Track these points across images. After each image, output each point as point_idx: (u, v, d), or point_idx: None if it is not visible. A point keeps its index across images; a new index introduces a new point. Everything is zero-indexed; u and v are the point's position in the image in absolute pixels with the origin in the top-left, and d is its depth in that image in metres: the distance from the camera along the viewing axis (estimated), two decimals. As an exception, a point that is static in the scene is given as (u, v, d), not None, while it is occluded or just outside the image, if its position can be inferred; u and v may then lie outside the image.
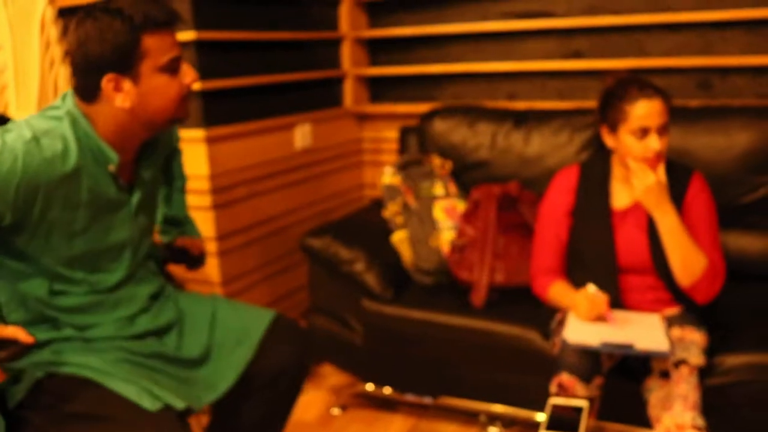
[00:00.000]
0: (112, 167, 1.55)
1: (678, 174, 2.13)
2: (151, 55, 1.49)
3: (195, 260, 1.95)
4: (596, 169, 2.23)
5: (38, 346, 1.54)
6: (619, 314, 2.04)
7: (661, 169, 2.00)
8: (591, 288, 2.02)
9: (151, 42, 1.48)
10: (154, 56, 1.50)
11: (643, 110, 2.00)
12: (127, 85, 1.50)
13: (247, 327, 1.80)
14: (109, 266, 1.63)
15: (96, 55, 1.46)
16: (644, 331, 1.95)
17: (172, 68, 1.54)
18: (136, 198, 1.65)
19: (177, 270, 2.11)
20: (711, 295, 2.04)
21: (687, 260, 2.00)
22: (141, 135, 1.60)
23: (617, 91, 2.06)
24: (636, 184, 1.99)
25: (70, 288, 1.58)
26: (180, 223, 2.04)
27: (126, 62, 1.48)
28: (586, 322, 2.00)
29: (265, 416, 1.84)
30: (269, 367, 1.79)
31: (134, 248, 1.68)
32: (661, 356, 1.93)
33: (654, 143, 2.00)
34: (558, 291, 2.17)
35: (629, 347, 1.87)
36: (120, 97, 1.50)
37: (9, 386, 1.54)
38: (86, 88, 1.52)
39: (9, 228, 1.44)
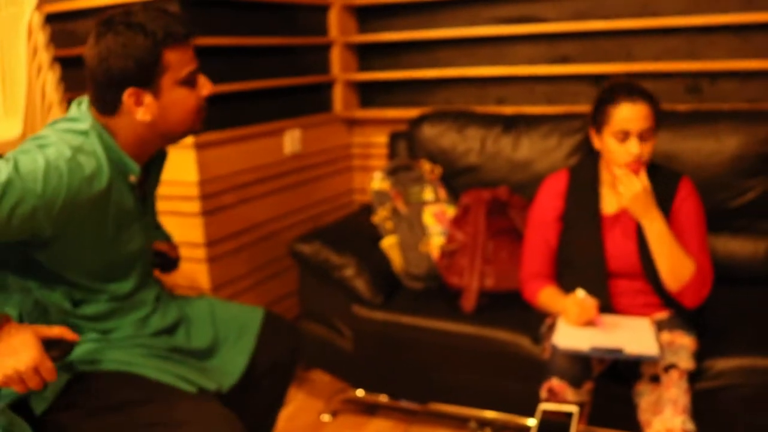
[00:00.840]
0: (133, 178, 1.59)
1: (666, 179, 2.13)
2: (171, 69, 1.52)
3: (172, 263, 1.98)
4: (585, 174, 2.23)
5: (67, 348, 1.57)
6: (609, 318, 2.03)
7: (644, 175, 1.99)
8: (580, 293, 2.02)
9: (171, 56, 1.52)
10: (175, 70, 1.53)
11: (625, 113, 2.00)
12: (148, 98, 1.52)
13: (244, 321, 1.88)
14: (126, 274, 1.68)
15: (118, 70, 1.49)
16: (634, 335, 1.95)
17: (190, 81, 1.57)
18: (147, 207, 1.71)
19: (166, 276, 2.12)
20: (699, 299, 2.04)
21: (675, 266, 2.00)
22: (158, 146, 1.64)
23: (606, 94, 2.06)
24: (622, 191, 1.98)
25: (91, 297, 1.62)
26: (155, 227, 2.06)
27: (147, 76, 1.50)
28: (576, 327, 1.99)
29: (268, 403, 1.95)
30: (267, 358, 1.87)
31: (145, 256, 1.73)
32: (650, 360, 1.93)
33: (633, 147, 1.99)
34: (548, 296, 2.16)
35: (619, 352, 1.86)
36: (141, 110, 1.53)
37: (35, 394, 1.55)
38: (106, 102, 1.54)
39: (45, 242, 1.47)
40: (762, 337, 2.13)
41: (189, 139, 2.58)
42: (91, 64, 1.52)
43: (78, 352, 1.59)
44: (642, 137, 2.00)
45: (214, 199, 2.70)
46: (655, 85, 2.79)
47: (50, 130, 1.52)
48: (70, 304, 1.59)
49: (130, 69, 1.48)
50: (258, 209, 2.95)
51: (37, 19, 2.54)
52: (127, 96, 1.51)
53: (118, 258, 1.63)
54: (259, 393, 1.89)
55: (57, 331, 1.44)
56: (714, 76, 2.88)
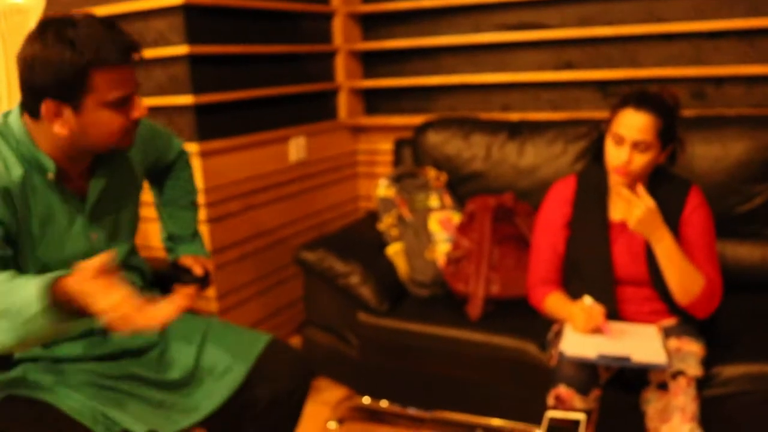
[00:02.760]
0: (50, 175, 1.51)
1: (675, 187, 2.11)
2: (97, 91, 1.43)
3: (198, 279, 1.83)
4: (593, 180, 2.21)
5: (7, 365, 1.53)
6: (616, 326, 2.02)
7: (646, 195, 1.95)
8: (587, 300, 2.01)
9: (99, 78, 1.43)
10: (101, 92, 1.44)
11: (625, 119, 1.99)
12: (67, 112, 1.45)
13: (239, 352, 1.76)
14: None
15: (38, 80, 1.41)
16: (641, 343, 1.94)
17: (119, 104, 1.48)
18: (88, 207, 1.61)
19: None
20: (709, 311, 2.03)
21: (684, 282, 1.99)
22: (82, 155, 1.56)
23: (623, 97, 2.05)
24: (628, 214, 1.96)
25: None
26: (184, 240, 1.99)
27: (69, 93, 1.42)
28: (583, 334, 1.98)
29: None
30: (262, 396, 1.75)
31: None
32: (658, 369, 1.91)
33: (622, 154, 1.99)
34: (555, 302, 2.15)
35: (626, 360, 1.85)
36: (59, 123, 1.45)
37: None
38: (28, 107, 1.48)
39: None
40: (770, 344, 2.12)
41: (194, 147, 2.59)
42: (18, 65, 1.45)
43: (11, 373, 1.54)
44: (636, 147, 1.98)
45: (219, 207, 2.70)
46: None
47: None
48: None
49: (49, 82, 1.41)
50: (263, 217, 2.95)
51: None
52: (45, 107, 1.43)
53: (57, 257, 1.55)
54: (259, 428, 1.77)
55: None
56: (719, 81, 2.87)
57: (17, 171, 1.46)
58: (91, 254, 1.56)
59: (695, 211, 2.08)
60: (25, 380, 1.54)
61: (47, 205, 1.53)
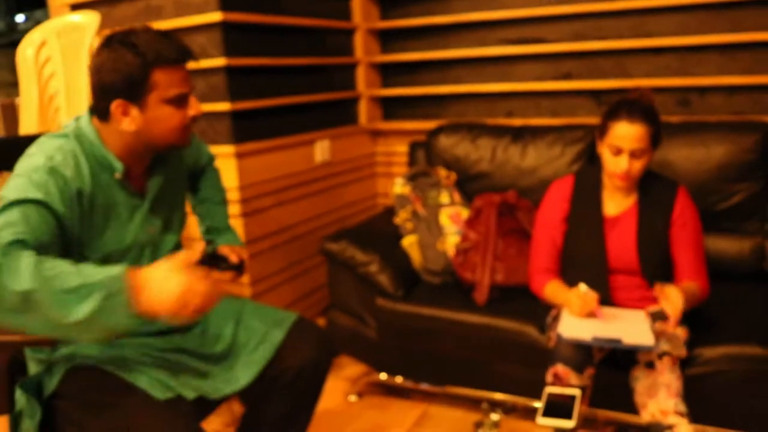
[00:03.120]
0: (117, 175, 1.55)
1: (664, 187, 2.11)
2: (158, 88, 1.48)
3: (234, 266, 1.88)
4: (589, 179, 2.21)
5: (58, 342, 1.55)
6: (608, 311, 2.02)
7: (674, 296, 1.89)
8: (582, 287, 2.01)
9: (160, 77, 1.48)
10: (162, 89, 1.49)
11: (621, 131, 1.98)
12: (134, 111, 1.49)
13: (269, 329, 1.78)
14: (133, 265, 1.60)
15: (108, 83, 1.47)
16: (631, 326, 1.94)
17: (177, 101, 1.52)
18: (147, 202, 1.64)
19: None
20: (702, 302, 2.06)
21: (695, 305, 2.01)
22: (146, 153, 1.60)
23: (612, 107, 2.04)
24: (668, 311, 1.89)
25: None
26: (221, 232, 2.02)
27: (135, 92, 1.47)
28: (579, 318, 1.98)
29: (288, 411, 1.81)
30: (291, 366, 1.75)
31: (154, 248, 1.67)
32: (646, 350, 1.91)
33: (623, 163, 1.98)
34: (553, 289, 2.15)
35: (618, 341, 1.85)
36: (126, 121, 1.50)
37: (43, 377, 1.56)
38: (99, 109, 1.52)
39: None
40: (747, 328, 2.11)
41: (230, 149, 2.60)
42: (90, 74, 1.51)
43: (69, 348, 1.56)
44: (634, 155, 1.98)
45: (252, 203, 2.71)
46: (649, 99, 2.77)
47: (33, 146, 1.51)
48: None
49: (118, 83, 1.46)
50: (292, 211, 2.96)
51: (96, 43, 2.56)
52: (115, 106, 1.48)
53: (119, 247, 1.58)
54: (283, 399, 1.78)
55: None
56: (703, 90, 2.86)
57: (89, 171, 1.49)
58: (148, 245, 1.64)
59: (684, 211, 2.07)
60: (85, 354, 1.57)
61: (111, 199, 1.56)
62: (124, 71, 1.45)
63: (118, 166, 1.54)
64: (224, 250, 1.88)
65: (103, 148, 1.53)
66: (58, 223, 1.41)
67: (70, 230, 1.46)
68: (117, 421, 1.46)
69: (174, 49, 1.49)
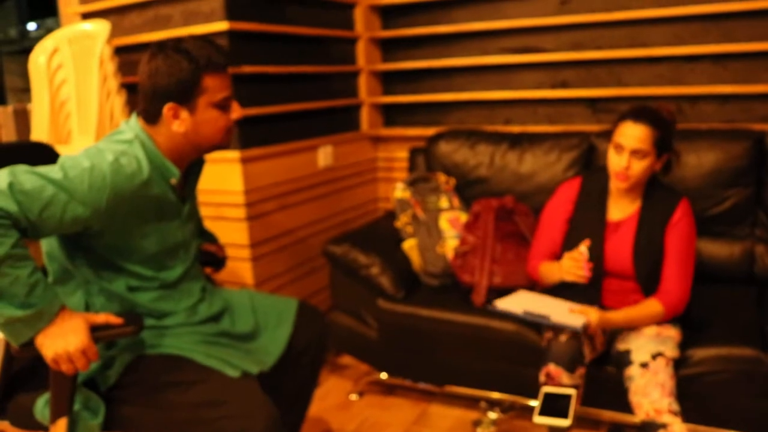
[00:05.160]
0: (173, 180, 1.61)
1: (668, 196, 2.12)
2: (208, 92, 1.55)
3: (220, 262, 2.02)
4: (596, 183, 2.22)
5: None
6: (555, 300, 2.08)
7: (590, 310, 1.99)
8: (583, 247, 2.05)
9: (209, 81, 1.55)
10: (211, 93, 1.56)
11: (625, 129, 2.00)
12: (184, 113, 1.56)
13: (281, 310, 1.89)
14: (171, 264, 1.69)
15: (162, 87, 1.53)
16: (566, 311, 1.99)
17: (223, 105, 1.59)
18: (187, 206, 1.71)
19: (216, 274, 2.15)
20: (677, 315, 2.06)
21: (647, 322, 2.03)
22: (191, 155, 1.65)
23: (625, 111, 2.06)
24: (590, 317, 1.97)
25: (144, 284, 1.64)
26: (203, 232, 2.08)
27: (186, 95, 1.54)
28: (524, 297, 2.06)
29: (304, 380, 1.94)
30: (300, 342, 1.87)
31: (186, 248, 1.74)
32: (572, 330, 1.95)
33: (622, 160, 2.00)
34: (546, 266, 2.20)
35: (546, 318, 1.92)
36: (177, 123, 1.56)
37: (101, 372, 1.59)
38: (150, 112, 1.58)
39: (96, 233, 1.50)
40: (737, 330, 2.12)
41: (236, 154, 2.61)
42: (142, 79, 1.56)
43: (139, 337, 1.62)
44: (634, 154, 1.99)
45: (257, 206, 2.72)
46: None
47: (101, 142, 1.57)
48: (126, 291, 1.61)
49: (172, 87, 1.53)
50: (295, 215, 2.97)
51: (107, 51, 2.57)
52: (167, 109, 1.55)
53: (163, 247, 1.64)
54: (297, 371, 1.90)
55: (102, 318, 1.49)
56: (695, 99, 2.87)
57: (145, 176, 1.54)
58: (183, 246, 1.71)
59: (681, 220, 2.07)
60: (146, 342, 1.63)
61: (165, 203, 1.62)
62: (178, 76, 1.52)
63: (175, 171, 1.60)
64: (210, 247, 2.00)
65: (161, 154, 1.58)
66: (85, 222, 1.45)
67: (105, 230, 1.51)
68: (209, 394, 1.54)
69: (221, 55, 1.57)
